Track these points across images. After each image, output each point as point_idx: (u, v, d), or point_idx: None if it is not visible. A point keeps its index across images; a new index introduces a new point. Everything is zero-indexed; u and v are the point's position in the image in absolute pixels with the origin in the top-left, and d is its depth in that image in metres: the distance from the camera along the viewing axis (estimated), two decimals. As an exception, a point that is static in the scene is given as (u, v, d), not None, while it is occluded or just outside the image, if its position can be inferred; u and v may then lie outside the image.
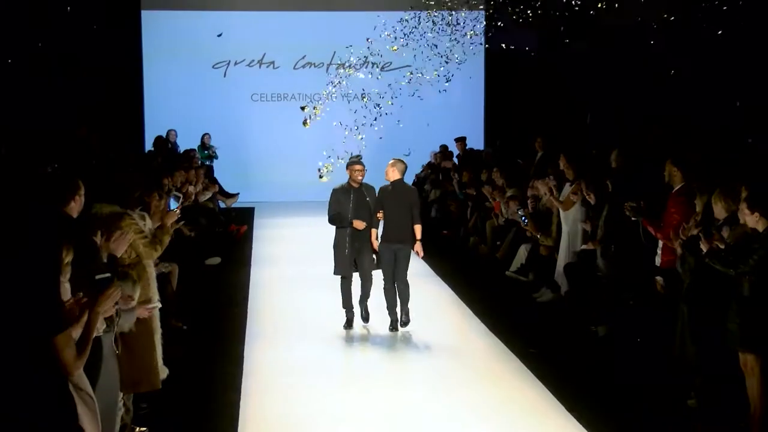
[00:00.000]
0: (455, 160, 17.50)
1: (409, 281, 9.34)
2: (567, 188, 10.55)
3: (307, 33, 18.92)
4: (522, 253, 11.80)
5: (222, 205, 16.61)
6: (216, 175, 17.73)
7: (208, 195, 14.80)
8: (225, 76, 19.44)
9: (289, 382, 7.84)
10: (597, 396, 7.55)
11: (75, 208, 5.75)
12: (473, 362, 8.51)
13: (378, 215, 9.22)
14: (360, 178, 9.24)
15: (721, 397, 7.01)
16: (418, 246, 9.15)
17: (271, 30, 18.92)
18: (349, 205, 9.19)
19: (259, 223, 16.75)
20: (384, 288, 9.37)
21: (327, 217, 9.34)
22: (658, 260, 8.23)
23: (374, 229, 9.26)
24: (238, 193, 17.75)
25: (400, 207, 9.10)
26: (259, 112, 19.38)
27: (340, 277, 9.44)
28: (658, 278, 7.92)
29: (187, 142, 18.33)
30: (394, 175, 9.20)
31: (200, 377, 7.98)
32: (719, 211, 6.97)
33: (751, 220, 6.35)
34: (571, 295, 10.19)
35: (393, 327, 9.42)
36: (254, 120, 19.27)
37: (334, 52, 19.38)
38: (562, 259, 10.56)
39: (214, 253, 13.30)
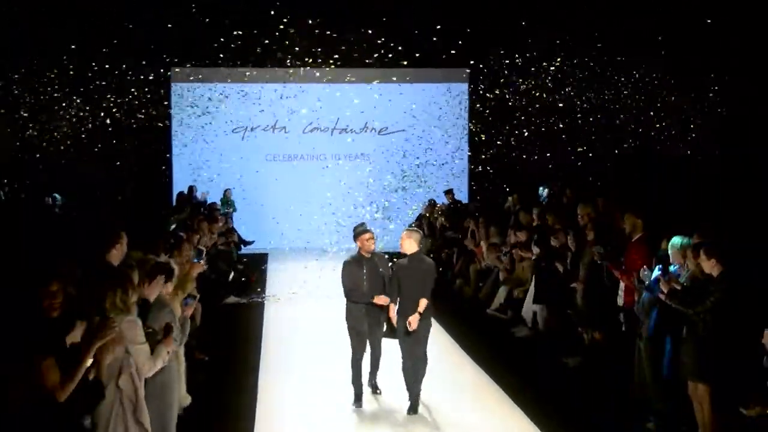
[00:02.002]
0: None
1: (428, 356, 7.86)
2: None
3: (314, 102, 19.10)
4: (501, 293, 11.82)
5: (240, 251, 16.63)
6: (235, 225, 17.76)
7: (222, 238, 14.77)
8: (243, 139, 19.57)
9: (299, 412, 7.78)
10: (568, 418, 7.52)
11: (116, 255, 5.77)
12: (461, 390, 8.48)
13: (379, 300, 7.82)
14: (373, 247, 7.92)
15: (676, 422, 6.98)
16: (413, 318, 7.55)
17: (283, 100, 19.11)
18: (363, 278, 7.83)
19: (272, 267, 16.71)
20: (403, 367, 7.77)
21: (342, 290, 7.97)
22: (620, 300, 8.24)
23: (393, 305, 7.81)
24: (253, 241, 17.79)
25: (417, 282, 7.63)
26: (272, 171, 19.48)
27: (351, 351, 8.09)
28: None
29: (211, 197, 18.42)
30: (411, 247, 7.68)
31: (218, 405, 7.93)
32: (675, 257, 7.00)
33: (707, 265, 6.35)
34: (545, 331, 10.20)
35: (412, 410, 7.74)
36: (268, 177, 19.35)
37: (338, 119, 19.54)
38: (529, 299, 10.62)
39: (232, 294, 13.26)
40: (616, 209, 9.55)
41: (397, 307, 7.78)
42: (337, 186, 18.88)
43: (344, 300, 8.01)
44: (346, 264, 7.91)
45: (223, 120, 19.27)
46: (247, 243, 17.60)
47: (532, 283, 10.68)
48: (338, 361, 9.17)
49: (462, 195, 18.70)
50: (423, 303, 7.61)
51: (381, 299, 7.81)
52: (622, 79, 15.78)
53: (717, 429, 6.45)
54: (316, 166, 19.41)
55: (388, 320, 7.90)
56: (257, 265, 16.55)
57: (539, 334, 10.39)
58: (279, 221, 18.73)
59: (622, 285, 8.20)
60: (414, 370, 7.69)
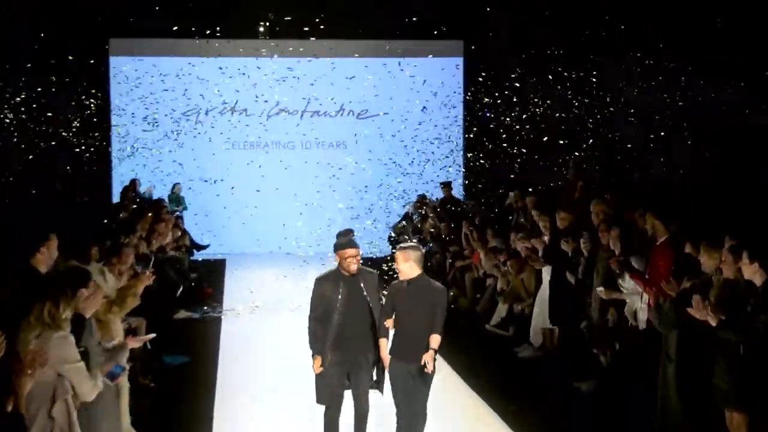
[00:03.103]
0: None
1: (429, 413, 7.03)
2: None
3: (281, 80, 19.05)
4: (502, 307, 11.83)
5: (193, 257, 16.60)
6: (186, 226, 17.70)
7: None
8: (196, 124, 19.48)
9: None
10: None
11: (43, 260, 5.72)
12: (452, 419, 8.48)
13: (387, 323, 6.96)
14: (354, 268, 6.91)
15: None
16: (428, 355, 6.66)
17: (244, 76, 19.04)
18: (336, 301, 6.87)
19: (231, 275, 16.68)
20: (397, 427, 6.96)
21: (308, 314, 7.08)
22: (643, 315, 8.27)
23: (383, 339, 6.94)
24: (208, 245, 17.73)
25: (420, 312, 6.77)
26: (231, 161, 19.39)
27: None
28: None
29: (157, 191, 18.34)
30: (412, 270, 6.81)
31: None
32: (708, 263, 7.03)
33: (748, 271, 6.38)
34: (553, 351, 10.23)
35: None
36: (226, 169, 19.28)
37: (309, 100, 19.52)
38: (537, 315, 10.63)
39: (184, 307, 13.26)
40: (631, 207, 9.57)
41: (390, 344, 6.94)
42: (309, 179, 18.86)
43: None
44: (318, 282, 6.96)
45: (173, 101, 19.18)
46: (200, 247, 17.57)
47: (538, 298, 10.70)
48: (309, 389, 9.15)
49: (455, 191, 18.71)
50: (436, 339, 6.70)
51: (382, 350, 6.91)
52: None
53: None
54: (284, 156, 19.38)
55: (377, 364, 6.98)
56: (213, 273, 16.53)
57: (547, 355, 10.41)
58: (239, 222, 18.68)
59: (645, 297, 8.23)
60: (409, 426, 6.86)
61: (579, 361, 9.61)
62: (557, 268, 10.19)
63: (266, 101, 19.37)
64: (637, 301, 8.61)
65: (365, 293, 6.92)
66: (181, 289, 13.83)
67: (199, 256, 17.48)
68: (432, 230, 16.06)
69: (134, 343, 6.11)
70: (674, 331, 7.21)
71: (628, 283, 8.70)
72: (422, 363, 6.65)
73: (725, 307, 6.52)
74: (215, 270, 16.97)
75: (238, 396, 9.25)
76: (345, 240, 6.96)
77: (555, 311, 10.23)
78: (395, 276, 7.14)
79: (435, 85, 19.48)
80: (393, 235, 17.78)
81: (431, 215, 16.49)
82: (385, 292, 7.14)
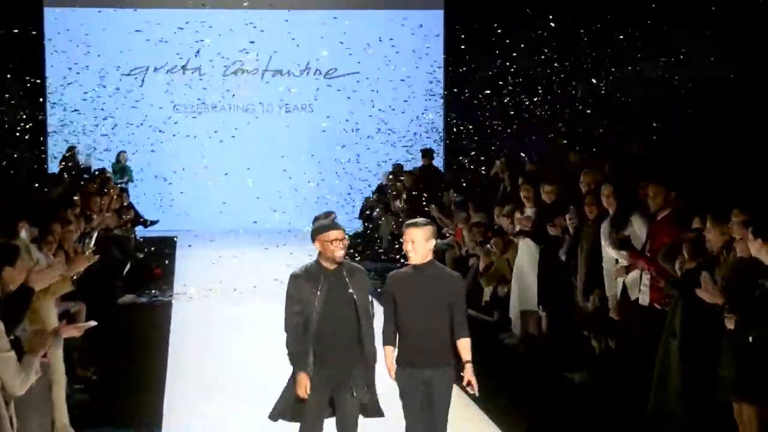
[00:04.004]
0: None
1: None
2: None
3: (238, 35, 18.91)
4: (487, 289, 11.87)
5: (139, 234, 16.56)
6: (132, 199, 17.59)
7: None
8: (142, 84, 19.33)
9: None
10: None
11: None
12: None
13: (387, 350, 6.29)
14: (341, 254, 6.25)
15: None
16: (468, 372, 6.18)
17: (197, 31, 18.88)
18: (314, 302, 6.19)
19: (182, 255, 16.63)
20: None
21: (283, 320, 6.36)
22: (644, 298, 8.30)
23: (389, 347, 6.31)
24: (157, 221, 17.66)
25: (432, 307, 6.19)
26: (183, 127, 19.27)
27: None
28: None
29: (99, 161, 18.22)
30: (422, 251, 6.22)
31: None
32: (715, 240, 7.06)
33: (754, 247, 6.42)
34: (543, 336, 10.28)
35: None
36: (177, 135, 19.16)
37: (271, 57, 19.41)
38: (515, 297, 10.66)
39: (129, 291, 13.21)
40: (634, 177, 9.60)
41: (396, 352, 6.30)
42: (270, 146, 18.79)
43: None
44: (293, 278, 6.29)
45: (116, 58, 19.01)
46: (148, 223, 17.50)
47: (514, 278, 10.79)
48: (270, 382, 9.13)
49: (435, 159, 18.72)
50: (466, 346, 6.22)
51: (387, 358, 6.26)
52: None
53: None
54: (242, 120, 19.30)
55: (366, 383, 6.28)
56: (162, 252, 16.47)
57: (535, 342, 10.46)
58: (191, 194, 18.61)
59: (645, 278, 8.27)
60: None
61: (571, 349, 9.65)
62: (545, 246, 10.20)
63: (222, 59, 19.24)
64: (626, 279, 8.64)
65: (351, 291, 6.21)
66: (126, 269, 13.77)
67: (146, 232, 17.44)
68: (406, 205, 16.06)
69: (72, 332, 6.05)
70: (679, 313, 7.25)
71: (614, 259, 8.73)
72: (465, 383, 6.19)
73: (734, 289, 6.55)
74: (165, 248, 16.89)
75: (190, 389, 9.22)
76: (327, 221, 6.28)
77: (544, 294, 10.26)
78: (367, 256, 6.95)
79: (412, 41, 19.41)
80: (365, 208, 17.80)
81: (404, 189, 16.48)
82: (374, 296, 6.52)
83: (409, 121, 19.40)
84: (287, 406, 6.30)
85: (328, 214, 6.41)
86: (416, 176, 16.89)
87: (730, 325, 6.49)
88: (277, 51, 19.30)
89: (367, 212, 17.81)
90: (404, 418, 6.26)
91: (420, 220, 6.43)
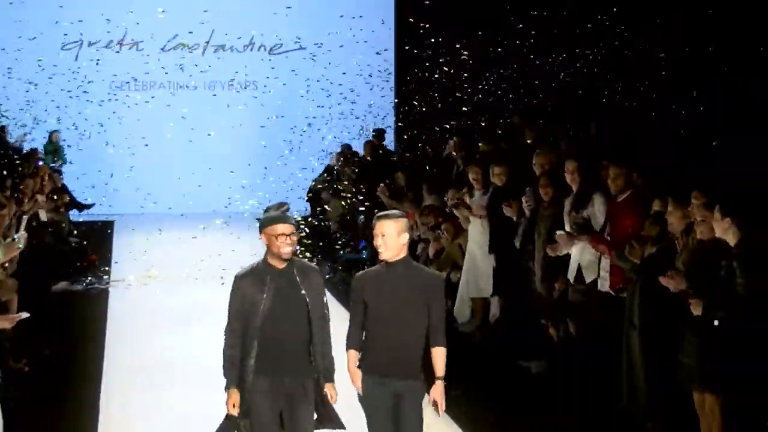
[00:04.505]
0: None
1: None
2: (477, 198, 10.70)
3: (178, 7, 18.73)
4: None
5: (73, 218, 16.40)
6: (66, 182, 17.39)
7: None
8: (76, 59, 19.09)
9: None
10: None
11: None
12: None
13: (351, 355, 5.94)
14: (289, 249, 5.81)
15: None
16: (438, 390, 5.88)
17: (134, 3, 18.68)
18: (260, 304, 5.80)
19: (120, 240, 16.51)
20: None
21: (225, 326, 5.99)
22: (604, 284, 8.33)
23: (353, 351, 5.94)
24: (93, 204, 17.48)
25: (407, 309, 5.81)
26: (120, 105, 19.08)
27: None
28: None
29: (31, 140, 17.95)
30: (394, 246, 5.85)
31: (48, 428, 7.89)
32: (677, 223, 7.09)
33: (720, 227, 6.44)
34: (500, 324, 10.30)
35: None
36: (113, 114, 18.96)
37: (213, 31, 19.26)
38: (464, 284, 10.68)
39: (63, 278, 13.12)
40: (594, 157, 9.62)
41: (359, 358, 5.95)
42: (213, 126, 18.63)
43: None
44: (237, 280, 5.92)
45: (48, 31, 18.74)
46: (83, 207, 17.35)
47: (465, 264, 10.82)
48: (215, 374, 9.06)
49: (386, 140, 18.68)
50: (441, 358, 5.88)
51: (350, 363, 5.90)
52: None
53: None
54: (183, 99, 19.13)
55: (319, 394, 5.91)
56: (99, 237, 16.39)
57: (491, 331, 10.48)
58: (129, 177, 18.45)
59: (604, 263, 8.30)
60: None
61: (528, 337, 9.68)
62: (497, 230, 10.20)
63: (160, 33, 19.04)
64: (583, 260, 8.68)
65: (303, 292, 5.82)
66: (63, 251, 13.62)
67: (81, 217, 17.32)
68: (353, 188, 16.01)
69: (3, 323, 5.94)
70: (638, 299, 7.28)
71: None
72: (431, 401, 5.85)
73: (696, 273, 6.58)
74: (101, 233, 16.83)
75: (128, 381, 9.17)
76: (276, 213, 5.86)
77: (499, 281, 10.28)
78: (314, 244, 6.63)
79: (362, 16, 19.33)
80: (313, 191, 17.73)
81: (352, 172, 16.44)
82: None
83: (359, 98, 19.32)
84: (230, 426, 5.87)
85: (280, 205, 5.96)
86: (365, 158, 16.83)
87: (696, 311, 6.52)
88: (219, 25, 19.14)
89: (315, 194, 17.72)
90: (368, 423, 5.92)
91: (392, 212, 6.13)
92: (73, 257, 14.37)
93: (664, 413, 7.24)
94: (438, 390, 5.85)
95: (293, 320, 5.81)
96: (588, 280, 8.63)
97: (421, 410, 5.92)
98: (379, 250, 5.88)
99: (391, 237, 5.83)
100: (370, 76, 19.36)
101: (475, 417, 8.15)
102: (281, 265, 5.84)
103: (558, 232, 8.72)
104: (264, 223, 5.87)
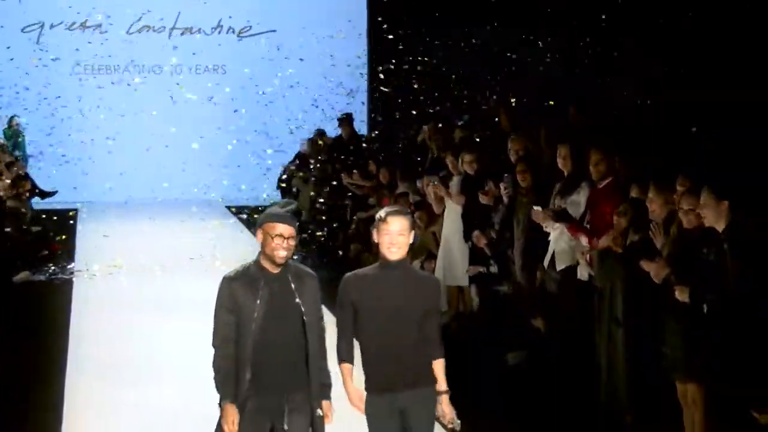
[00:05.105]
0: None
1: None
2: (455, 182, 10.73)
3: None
4: (415, 263, 11.86)
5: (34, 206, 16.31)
6: (27, 168, 17.31)
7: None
8: (38, 41, 18.97)
9: (120, 428, 7.75)
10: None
11: None
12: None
13: (345, 368, 5.53)
14: (284, 254, 5.44)
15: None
16: (446, 403, 5.55)
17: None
18: (253, 312, 5.42)
19: (84, 229, 16.46)
20: None
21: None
22: (583, 273, 8.33)
23: (347, 365, 5.54)
24: (55, 191, 17.38)
25: (406, 315, 5.49)
26: (83, 89, 18.99)
27: None
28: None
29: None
30: (405, 247, 5.52)
31: (7, 427, 7.85)
32: (657, 209, 7.09)
33: (712, 213, 6.44)
34: (478, 314, 10.31)
35: None
36: (76, 99, 18.86)
37: (179, 13, 19.18)
38: (439, 272, 10.66)
39: (24, 268, 13.09)
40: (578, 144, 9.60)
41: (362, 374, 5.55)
42: (179, 111, 18.55)
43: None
44: (226, 281, 5.51)
45: (7, 13, 18.58)
46: (46, 194, 17.25)
47: (440, 252, 10.82)
48: (183, 369, 9.04)
49: (360, 125, 18.67)
50: (441, 369, 5.56)
51: (346, 380, 5.51)
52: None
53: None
54: (149, 84, 19.03)
55: (313, 412, 5.51)
56: (62, 226, 16.27)
57: (468, 320, 10.48)
58: (93, 163, 18.38)
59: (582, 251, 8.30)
60: None
61: (505, 328, 9.68)
62: (470, 218, 10.18)
63: (126, 15, 18.94)
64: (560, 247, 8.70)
65: (298, 300, 5.46)
66: (24, 241, 13.64)
67: (43, 204, 17.21)
68: (321, 174, 15.99)
69: None
70: (621, 291, 7.29)
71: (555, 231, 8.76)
72: (442, 416, 5.51)
73: (681, 260, 6.59)
74: (64, 222, 16.68)
75: (93, 375, 9.12)
76: (278, 211, 5.47)
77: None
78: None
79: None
80: (283, 178, 17.70)
81: (320, 156, 16.42)
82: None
83: (330, 83, 19.31)
84: None
85: (286, 203, 5.61)
86: (331, 144, 16.81)
87: (682, 297, 6.51)
88: (185, 8, 19.07)
89: (286, 182, 17.69)
90: None
91: (402, 208, 5.82)
92: (35, 246, 14.32)
93: (644, 406, 7.26)
94: (446, 403, 5.50)
95: (287, 331, 5.43)
96: (560, 267, 8.64)
97: (433, 420, 5.57)
98: (390, 251, 5.43)
99: (406, 237, 5.46)
100: (343, 59, 19.35)
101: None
102: (275, 270, 5.44)
103: (535, 207, 8.72)
104: (263, 219, 5.48)
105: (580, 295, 8.31)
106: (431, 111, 16.70)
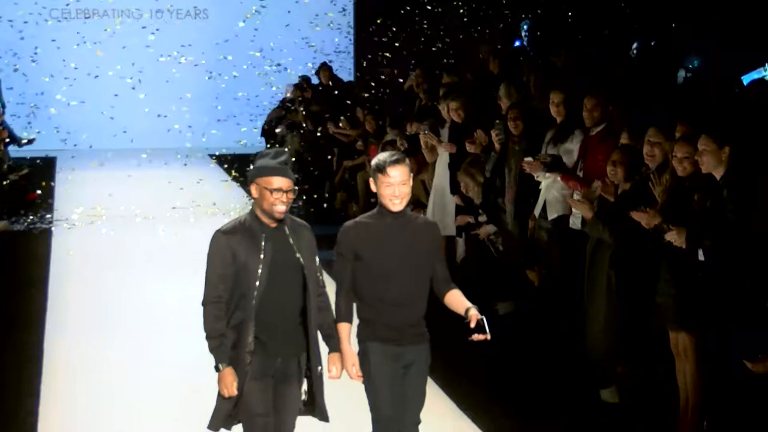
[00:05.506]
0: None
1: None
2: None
3: None
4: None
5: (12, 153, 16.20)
6: (5, 117, 17.20)
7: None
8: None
9: (100, 384, 7.76)
10: (496, 391, 7.71)
11: None
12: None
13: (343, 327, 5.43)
14: (283, 208, 5.22)
15: (649, 387, 7.20)
16: (473, 317, 5.37)
17: None
18: (255, 270, 5.22)
19: (63, 177, 16.42)
20: None
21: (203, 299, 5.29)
22: (576, 222, 8.31)
23: (346, 325, 5.43)
24: (33, 139, 17.26)
25: (412, 265, 5.41)
26: (61, 34, 18.83)
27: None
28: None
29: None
30: (401, 197, 5.37)
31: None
32: (656, 155, 7.06)
33: (711, 159, 6.39)
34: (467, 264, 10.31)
35: None
36: (51, 43, 18.67)
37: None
38: (431, 217, 10.64)
39: (2, 217, 13.12)
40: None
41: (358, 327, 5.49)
42: (158, 57, 18.39)
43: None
44: (220, 238, 5.26)
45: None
46: (23, 142, 17.10)
47: (430, 202, 10.78)
48: (164, 318, 9.06)
49: (344, 73, 18.55)
50: (460, 294, 5.58)
51: (343, 340, 5.38)
52: None
53: (700, 396, 6.65)
54: (128, 28, 18.90)
55: (311, 374, 5.37)
56: (40, 174, 16.20)
57: (458, 271, 10.49)
58: (71, 110, 18.27)
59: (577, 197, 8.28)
60: None
61: (493, 277, 9.69)
62: (457, 168, 10.16)
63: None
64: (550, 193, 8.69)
65: (298, 255, 5.27)
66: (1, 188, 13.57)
67: (20, 152, 17.00)
68: (309, 122, 15.92)
69: None
70: (613, 240, 7.30)
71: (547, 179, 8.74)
72: (473, 325, 5.34)
73: (677, 209, 6.59)
74: (43, 170, 16.66)
75: (74, 329, 9.12)
76: (272, 163, 5.25)
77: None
78: None
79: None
80: (266, 125, 17.63)
81: (300, 106, 16.34)
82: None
83: (318, 29, 19.17)
84: (228, 412, 5.29)
85: (278, 153, 5.38)
86: (322, 84, 16.73)
87: (679, 240, 6.47)
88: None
89: (269, 128, 17.61)
90: (371, 398, 5.41)
91: (400, 155, 5.50)
92: (12, 195, 14.19)
93: (635, 356, 7.29)
94: (476, 315, 5.33)
95: (289, 288, 5.26)
96: (551, 216, 8.63)
97: (426, 377, 5.57)
98: (393, 202, 5.32)
99: (408, 184, 5.36)
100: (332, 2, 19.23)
101: (437, 361, 8.15)
102: (273, 224, 5.26)
103: (526, 159, 8.70)
104: (257, 173, 5.24)
105: (572, 244, 8.31)
106: (418, 55, 16.66)
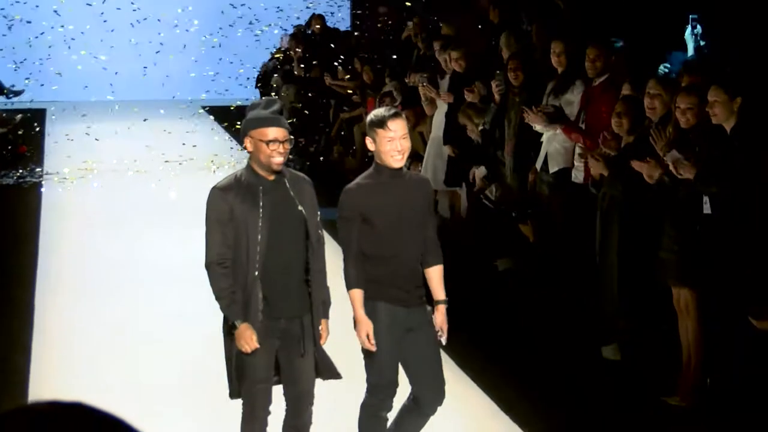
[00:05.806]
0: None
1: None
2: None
3: None
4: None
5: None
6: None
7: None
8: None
9: (94, 342, 7.75)
10: (495, 350, 7.72)
11: None
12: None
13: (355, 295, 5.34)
14: (280, 159, 5.11)
15: (651, 343, 7.21)
16: (441, 315, 5.49)
17: None
18: (255, 224, 5.10)
19: (53, 130, 16.41)
20: (401, 414, 5.52)
21: (206, 258, 5.21)
22: (578, 175, 8.29)
23: (358, 291, 5.32)
24: (22, 90, 17.14)
25: (412, 223, 5.39)
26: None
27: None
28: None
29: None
30: (402, 152, 5.31)
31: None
32: (657, 107, 7.01)
33: (723, 112, 6.35)
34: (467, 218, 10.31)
35: None
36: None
37: None
38: (429, 170, 10.60)
39: None
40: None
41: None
42: (149, 10, 18.25)
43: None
44: (216, 192, 5.19)
45: None
46: (11, 93, 17.02)
47: (430, 157, 10.74)
48: (158, 275, 9.06)
49: (342, 23, 18.42)
50: (439, 276, 5.56)
51: (356, 308, 5.29)
52: None
53: (703, 353, 6.65)
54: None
55: (315, 335, 5.28)
56: (30, 126, 16.21)
57: (454, 225, 10.48)
58: (60, 61, 18.17)
59: (578, 153, 8.25)
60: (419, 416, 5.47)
61: (493, 232, 9.68)
62: (455, 119, 10.11)
63: None
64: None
65: (300, 208, 5.19)
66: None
67: (9, 104, 17.05)
68: (303, 72, 15.84)
69: None
70: (616, 194, 7.28)
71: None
72: (437, 332, 5.41)
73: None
74: (32, 123, 16.56)
75: (65, 285, 9.14)
76: (265, 113, 5.13)
77: (463, 172, 10.24)
78: None
79: None
80: (262, 76, 17.54)
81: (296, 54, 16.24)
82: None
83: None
84: (243, 377, 5.20)
85: (270, 102, 5.27)
86: (314, 33, 16.61)
87: (688, 173, 6.38)
88: None
89: (265, 78, 17.52)
90: (375, 361, 5.34)
91: (397, 109, 5.47)
92: (1, 148, 14.22)
93: (638, 312, 7.30)
94: (442, 315, 5.44)
95: (291, 244, 5.18)
96: (552, 169, 8.60)
97: (435, 338, 5.50)
98: (394, 158, 5.24)
99: (408, 138, 5.30)
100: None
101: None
102: (271, 177, 5.15)
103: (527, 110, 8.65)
104: (250, 125, 5.14)
105: (574, 198, 8.29)
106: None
